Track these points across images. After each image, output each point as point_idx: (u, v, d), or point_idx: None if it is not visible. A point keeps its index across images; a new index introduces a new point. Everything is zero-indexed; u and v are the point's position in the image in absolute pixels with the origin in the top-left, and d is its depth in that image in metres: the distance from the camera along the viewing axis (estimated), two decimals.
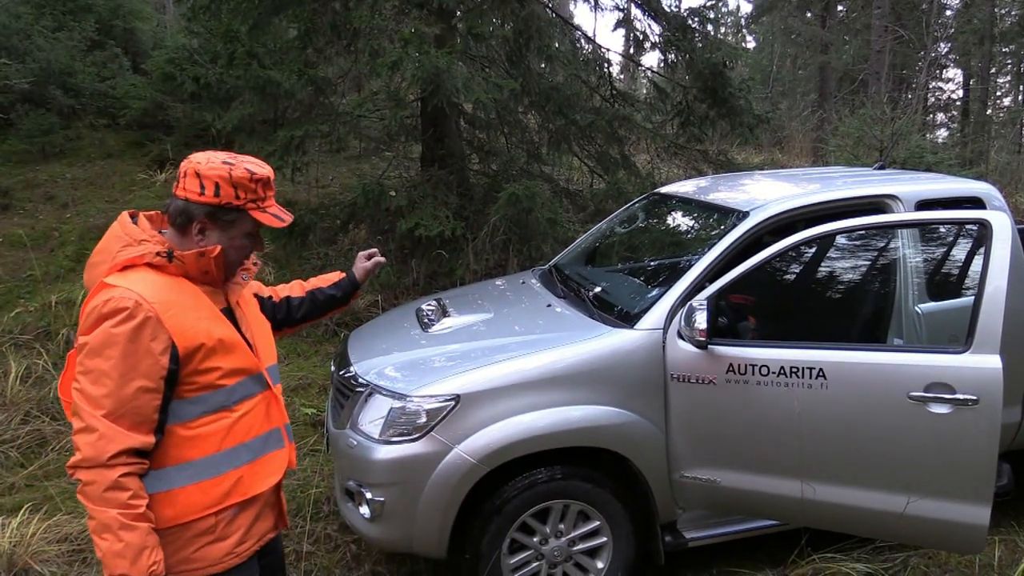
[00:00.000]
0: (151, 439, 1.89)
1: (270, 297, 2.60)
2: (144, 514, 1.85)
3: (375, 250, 2.85)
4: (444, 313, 4.17)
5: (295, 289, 2.71)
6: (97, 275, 1.97)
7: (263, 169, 2.06)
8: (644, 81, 16.37)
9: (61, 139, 9.48)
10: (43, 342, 6.03)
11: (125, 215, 2.06)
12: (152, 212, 2.13)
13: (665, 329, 3.43)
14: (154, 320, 1.87)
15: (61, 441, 5.02)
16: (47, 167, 9.12)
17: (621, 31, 8.64)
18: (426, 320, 4.09)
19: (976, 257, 3.35)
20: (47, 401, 5.34)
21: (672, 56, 8.25)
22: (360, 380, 3.58)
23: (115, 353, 1.84)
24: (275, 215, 2.08)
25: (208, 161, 2.00)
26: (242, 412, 2.05)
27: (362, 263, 2.81)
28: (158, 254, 1.96)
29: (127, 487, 1.83)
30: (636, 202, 5.21)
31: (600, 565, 3.54)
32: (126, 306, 1.86)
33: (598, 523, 3.49)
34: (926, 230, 3.74)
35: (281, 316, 2.62)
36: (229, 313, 2.12)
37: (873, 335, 3.71)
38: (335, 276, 2.79)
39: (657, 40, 8.24)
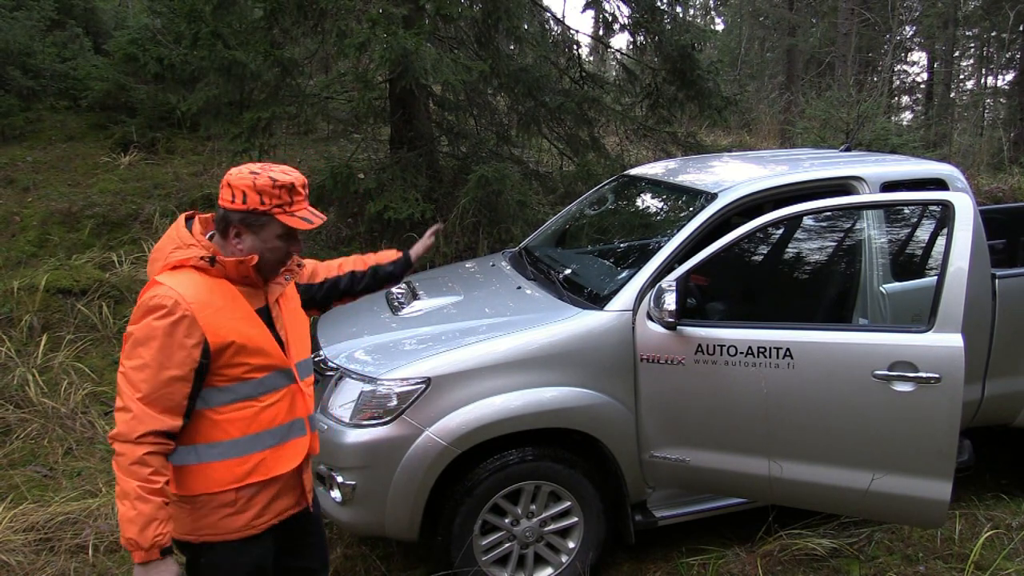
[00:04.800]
0: (178, 423, 2.12)
1: (324, 280, 2.85)
2: (161, 490, 2.07)
3: (439, 226, 3.22)
4: (414, 296, 4.16)
5: (358, 263, 2.99)
6: (153, 272, 2.24)
7: (287, 176, 2.25)
8: (613, 63, 16.37)
9: (21, 121, 9.25)
10: (5, 328, 5.92)
11: (182, 218, 2.31)
12: (208, 215, 2.36)
13: (635, 310, 3.45)
14: (189, 318, 2.10)
15: (26, 429, 4.94)
16: (7, 150, 8.91)
17: (590, 12, 8.56)
18: (396, 303, 4.08)
19: (939, 238, 3.41)
20: (11, 389, 5.25)
21: (641, 38, 8.22)
22: (330, 364, 3.57)
23: (154, 344, 2.08)
24: (303, 218, 2.26)
25: (238, 172, 2.22)
26: (268, 403, 2.27)
27: (425, 240, 3.21)
28: (202, 258, 2.19)
29: (149, 464, 2.06)
30: (605, 184, 5.22)
31: (571, 545, 3.57)
32: (165, 304, 2.10)
33: (569, 503, 3.52)
34: (891, 211, 3.79)
35: (343, 287, 2.91)
36: (266, 312, 2.33)
37: (839, 315, 3.76)
38: (393, 255, 3.10)
39: (626, 22, 8.20)
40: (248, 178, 2.19)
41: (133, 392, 2.09)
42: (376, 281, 3.01)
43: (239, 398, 2.22)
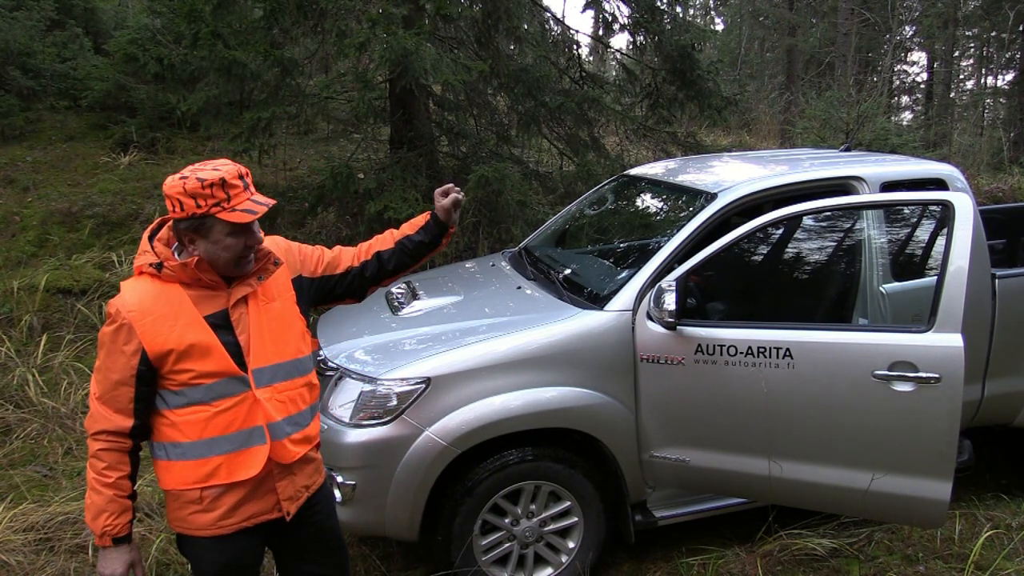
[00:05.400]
0: (129, 422, 2.21)
1: (348, 270, 2.65)
2: (114, 483, 2.21)
3: (450, 185, 2.76)
4: (414, 296, 4.16)
5: (386, 241, 2.75)
6: None
7: (216, 172, 2.15)
8: (613, 63, 16.38)
9: (21, 121, 9.24)
10: (5, 328, 5.93)
11: (154, 223, 2.34)
12: None
13: (634, 310, 3.45)
14: (127, 327, 2.16)
15: (25, 429, 4.94)
16: (7, 150, 8.91)
17: (590, 12, 8.57)
18: (396, 303, 4.08)
19: (939, 238, 3.41)
20: (11, 389, 5.26)
21: (641, 38, 8.22)
22: (330, 364, 3.57)
23: (105, 349, 2.20)
24: (244, 210, 2.17)
25: (170, 181, 2.16)
26: (221, 408, 2.23)
27: (440, 201, 2.72)
28: (151, 265, 2.21)
29: (103, 459, 2.21)
30: (605, 184, 5.22)
31: (571, 545, 3.57)
32: (111, 312, 2.19)
33: (569, 503, 3.52)
34: (891, 211, 3.79)
35: (371, 273, 2.69)
36: (224, 315, 2.25)
37: (839, 315, 3.76)
38: (421, 220, 2.77)
39: (626, 22, 8.20)
40: (178, 184, 2.13)
41: (94, 391, 2.24)
42: (408, 254, 2.73)
43: (192, 402, 2.22)
